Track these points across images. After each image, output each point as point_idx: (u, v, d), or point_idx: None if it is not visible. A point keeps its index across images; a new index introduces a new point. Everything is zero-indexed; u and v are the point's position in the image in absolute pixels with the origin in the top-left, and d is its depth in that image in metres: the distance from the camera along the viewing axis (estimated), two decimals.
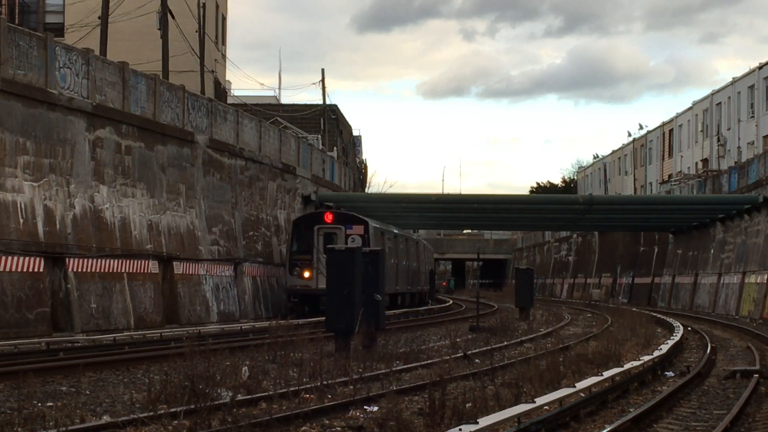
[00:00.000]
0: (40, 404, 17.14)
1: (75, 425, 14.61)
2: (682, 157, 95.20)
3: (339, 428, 15.76)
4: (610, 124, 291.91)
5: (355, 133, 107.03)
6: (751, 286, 56.56)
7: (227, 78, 79.64)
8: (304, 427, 15.60)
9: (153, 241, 41.34)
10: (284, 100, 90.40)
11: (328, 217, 50.32)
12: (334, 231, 49.77)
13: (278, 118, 75.08)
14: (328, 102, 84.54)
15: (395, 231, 61.47)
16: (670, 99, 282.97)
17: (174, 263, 42.65)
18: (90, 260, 36.45)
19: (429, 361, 24.37)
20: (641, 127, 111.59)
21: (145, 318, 39.07)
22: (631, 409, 17.85)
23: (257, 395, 17.83)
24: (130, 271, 38.94)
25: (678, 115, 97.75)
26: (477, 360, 26.14)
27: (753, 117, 77.65)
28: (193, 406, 15.54)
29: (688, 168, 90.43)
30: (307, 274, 49.35)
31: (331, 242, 47.98)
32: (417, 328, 41.52)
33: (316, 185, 64.69)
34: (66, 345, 28.41)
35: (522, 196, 78.87)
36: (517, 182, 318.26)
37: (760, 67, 76.54)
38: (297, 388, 18.37)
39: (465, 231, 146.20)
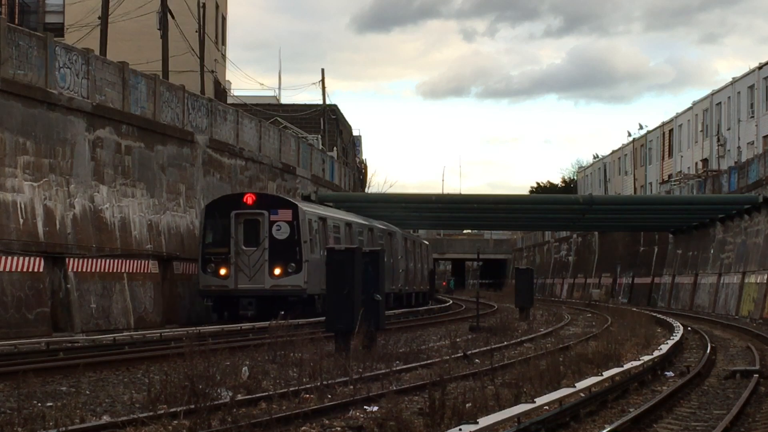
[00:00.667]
0: (40, 404, 17.14)
1: (75, 425, 14.60)
2: (682, 157, 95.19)
3: (339, 428, 15.76)
4: (610, 124, 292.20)
5: (355, 133, 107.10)
6: (751, 286, 56.56)
7: (227, 78, 79.69)
8: (304, 427, 15.60)
9: (153, 241, 41.35)
10: (284, 100, 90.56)
11: (249, 200, 41.92)
12: (256, 218, 41.54)
13: (278, 118, 75.12)
14: (328, 102, 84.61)
15: (367, 224, 53.73)
16: (670, 99, 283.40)
17: (174, 263, 42.66)
18: (90, 260, 36.45)
19: (429, 361, 24.35)
20: (641, 127, 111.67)
21: (144, 318, 39.07)
22: (631, 409, 17.85)
23: (257, 395, 17.83)
24: (130, 271, 38.95)
25: (678, 115, 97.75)
26: (477, 360, 26.13)
27: (753, 117, 77.64)
28: (193, 406, 15.54)
29: (688, 168, 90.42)
30: (223, 271, 41.07)
31: (254, 231, 41.41)
32: (417, 328, 41.51)
33: (316, 185, 64.73)
34: (66, 345, 28.40)
35: (522, 196, 78.87)
36: (516, 182, 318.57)
37: (760, 67, 76.53)
38: (297, 388, 18.36)
39: (465, 231, 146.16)
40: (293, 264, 41.10)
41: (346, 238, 48.35)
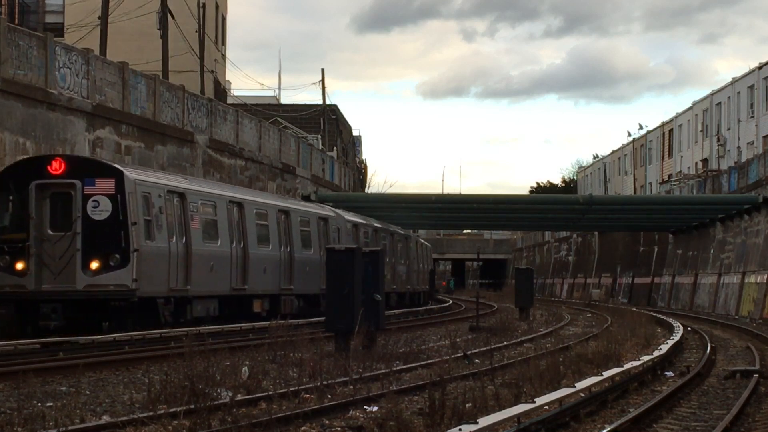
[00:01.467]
0: (40, 404, 17.14)
1: (75, 425, 14.59)
2: (682, 157, 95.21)
3: (339, 428, 15.75)
4: (610, 124, 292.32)
5: (355, 133, 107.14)
6: (750, 286, 56.56)
7: (227, 78, 79.71)
8: (303, 427, 15.59)
9: None
10: (284, 100, 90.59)
11: (56, 165, 30.67)
12: (67, 190, 30.43)
13: (278, 118, 75.11)
14: (328, 102, 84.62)
15: (279, 204, 41.54)
16: (670, 99, 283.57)
17: None
18: None
19: (429, 361, 24.34)
20: (641, 127, 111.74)
21: None
22: (631, 409, 17.85)
23: (257, 395, 17.82)
24: None
25: (678, 115, 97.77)
26: (477, 360, 26.13)
27: (753, 117, 77.66)
28: (193, 406, 15.53)
29: (688, 168, 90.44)
30: (20, 266, 30.04)
31: (64, 209, 30.48)
32: (417, 328, 41.49)
33: (316, 185, 64.71)
34: (66, 345, 28.37)
35: (522, 196, 78.90)
36: (516, 182, 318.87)
37: (760, 67, 76.56)
38: (297, 388, 18.36)
39: (465, 231, 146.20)
40: (117, 255, 30.28)
41: (237, 224, 36.98)
